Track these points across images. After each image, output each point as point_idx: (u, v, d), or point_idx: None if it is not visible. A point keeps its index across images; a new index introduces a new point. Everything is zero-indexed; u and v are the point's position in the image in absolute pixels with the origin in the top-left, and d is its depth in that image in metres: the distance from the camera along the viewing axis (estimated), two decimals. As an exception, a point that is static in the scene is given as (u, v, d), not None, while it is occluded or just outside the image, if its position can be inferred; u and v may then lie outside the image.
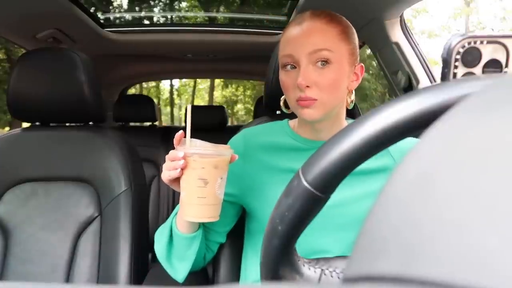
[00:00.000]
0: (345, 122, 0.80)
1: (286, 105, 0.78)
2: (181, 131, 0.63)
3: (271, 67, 0.95)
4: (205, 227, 0.80)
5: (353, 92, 0.75)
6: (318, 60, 0.67)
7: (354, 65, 0.72)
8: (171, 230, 0.75)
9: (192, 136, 0.64)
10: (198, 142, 0.63)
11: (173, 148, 0.64)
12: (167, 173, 0.63)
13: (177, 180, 0.64)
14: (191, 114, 0.63)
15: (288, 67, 0.70)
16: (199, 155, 0.60)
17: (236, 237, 0.88)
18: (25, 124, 1.15)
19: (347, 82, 0.72)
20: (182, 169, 0.61)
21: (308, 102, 0.68)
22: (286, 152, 0.77)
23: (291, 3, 1.71)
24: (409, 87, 1.34)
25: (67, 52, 1.06)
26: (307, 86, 0.67)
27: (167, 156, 0.63)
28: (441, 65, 0.31)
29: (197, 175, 0.60)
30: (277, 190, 0.76)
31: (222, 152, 0.62)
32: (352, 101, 0.76)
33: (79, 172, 1.04)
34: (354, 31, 0.73)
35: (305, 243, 0.59)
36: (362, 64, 0.75)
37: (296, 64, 0.69)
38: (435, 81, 1.32)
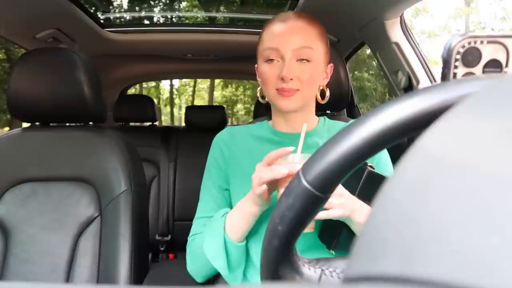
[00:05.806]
0: (315, 116, 0.89)
1: (263, 96, 0.85)
2: (285, 148, 0.64)
3: None
4: None
5: (327, 89, 0.85)
6: (301, 56, 0.75)
7: (327, 64, 0.82)
8: (225, 244, 0.76)
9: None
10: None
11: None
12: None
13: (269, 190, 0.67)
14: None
15: (272, 59, 0.77)
16: None
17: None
18: (25, 124, 1.15)
19: (320, 79, 0.81)
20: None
21: (290, 92, 0.75)
22: (263, 143, 0.86)
23: (291, 3, 1.71)
24: (409, 87, 1.34)
25: (67, 52, 1.05)
26: (291, 79, 0.74)
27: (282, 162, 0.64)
28: (441, 65, 0.31)
29: None
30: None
31: None
32: (327, 97, 0.84)
33: (79, 172, 1.04)
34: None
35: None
36: (332, 64, 0.84)
37: (280, 58, 0.76)
38: (435, 81, 1.32)
